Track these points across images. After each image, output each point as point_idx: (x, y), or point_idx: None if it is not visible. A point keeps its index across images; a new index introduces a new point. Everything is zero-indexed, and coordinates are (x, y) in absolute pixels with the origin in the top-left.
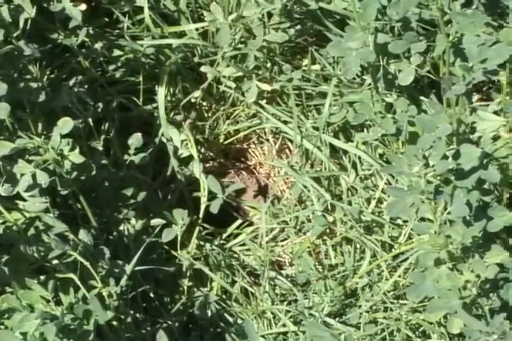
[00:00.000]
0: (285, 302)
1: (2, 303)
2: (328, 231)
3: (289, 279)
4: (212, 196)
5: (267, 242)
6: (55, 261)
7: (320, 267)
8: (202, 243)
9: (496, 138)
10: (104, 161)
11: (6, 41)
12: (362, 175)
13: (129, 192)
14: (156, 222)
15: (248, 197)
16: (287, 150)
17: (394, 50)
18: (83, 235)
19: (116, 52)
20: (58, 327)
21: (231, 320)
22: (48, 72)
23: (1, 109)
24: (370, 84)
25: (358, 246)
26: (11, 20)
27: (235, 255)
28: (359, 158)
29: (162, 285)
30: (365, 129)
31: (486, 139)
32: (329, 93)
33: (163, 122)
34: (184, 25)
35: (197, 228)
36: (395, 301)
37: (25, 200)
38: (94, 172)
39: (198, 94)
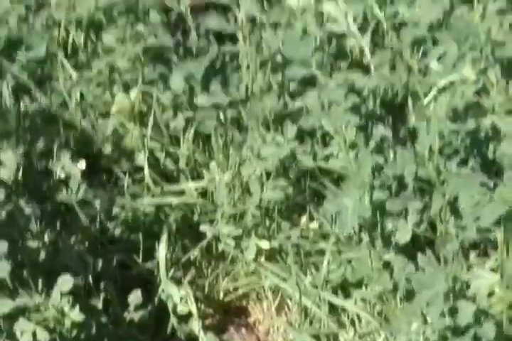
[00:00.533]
0: None
1: None
2: None
3: None
4: None
5: None
6: None
7: None
8: None
9: (491, 294)
10: (103, 319)
11: (6, 199)
12: (361, 333)
13: None
14: None
15: None
16: (286, 307)
17: (391, 209)
18: None
19: (116, 210)
20: None
21: None
22: (48, 231)
23: (2, 268)
24: (368, 241)
25: None
26: (11, 179)
27: None
28: (358, 315)
29: None
30: (363, 286)
31: (481, 296)
32: (327, 251)
33: (163, 279)
34: (183, 183)
35: None
36: None
37: None
38: (94, 331)
39: (197, 252)
